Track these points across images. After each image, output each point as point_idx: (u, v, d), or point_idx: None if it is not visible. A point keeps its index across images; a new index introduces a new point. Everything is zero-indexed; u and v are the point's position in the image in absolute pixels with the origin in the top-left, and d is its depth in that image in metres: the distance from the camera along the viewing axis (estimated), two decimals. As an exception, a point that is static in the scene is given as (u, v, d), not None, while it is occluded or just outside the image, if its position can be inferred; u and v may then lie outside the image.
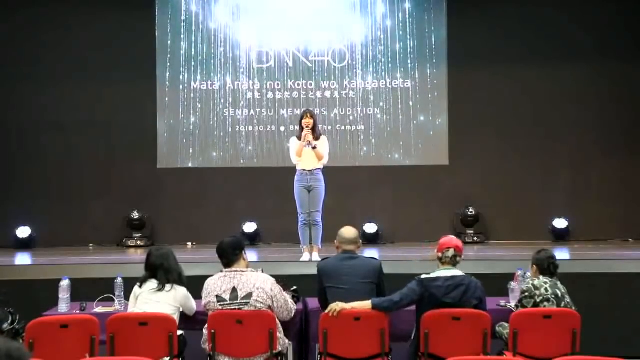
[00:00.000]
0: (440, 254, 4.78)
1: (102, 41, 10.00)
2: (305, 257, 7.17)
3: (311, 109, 7.94)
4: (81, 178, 10.03)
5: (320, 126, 9.90)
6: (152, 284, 4.89)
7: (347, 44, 10.21)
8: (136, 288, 4.94)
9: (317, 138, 7.24)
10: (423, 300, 4.64)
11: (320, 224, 7.21)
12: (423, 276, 4.69)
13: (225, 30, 10.22)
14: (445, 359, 4.24)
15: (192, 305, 5.00)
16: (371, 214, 9.90)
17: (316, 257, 7.05)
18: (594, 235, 9.71)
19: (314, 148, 7.15)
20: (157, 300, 4.83)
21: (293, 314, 4.85)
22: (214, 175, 10.15)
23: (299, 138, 7.27)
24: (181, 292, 4.92)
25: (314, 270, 5.09)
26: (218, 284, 4.69)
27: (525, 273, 5.28)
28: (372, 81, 10.19)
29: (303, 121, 7.25)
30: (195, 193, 10.14)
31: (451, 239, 4.89)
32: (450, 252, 4.73)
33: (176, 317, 4.83)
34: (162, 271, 4.90)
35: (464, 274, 4.71)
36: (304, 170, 7.19)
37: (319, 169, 7.22)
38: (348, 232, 5.01)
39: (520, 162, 10.09)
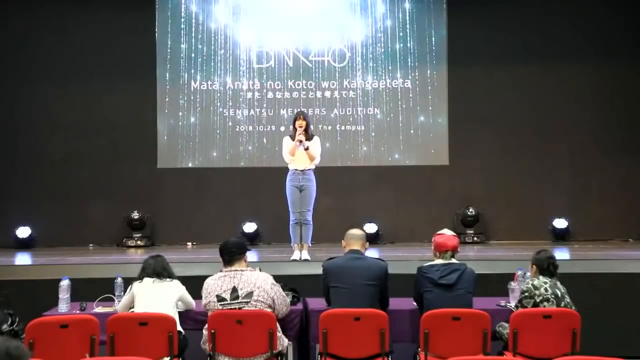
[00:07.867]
0: (437, 253, 4.97)
1: (102, 41, 10.00)
2: (296, 255, 7.28)
3: (304, 111, 8.02)
4: (81, 178, 10.02)
5: (320, 126, 10.07)
6: (153, 278, 4.95)
7: (347, 44, 10.21)
8: (135, 285, 4.94)
9: (309, 138, 7.31)
10: (422, 283, 4.82)
11: (311, 223, 7.31)
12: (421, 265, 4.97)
13: (225, 30, 10.22)
14: (445, 359, 4.24)
15: (190, 298, 5.07)
16: (371, 214, 9.90)
17: (306, 255, 7.21)
18: (594, 235, 9.72)
19: (306, 149, 7.21)
20: (157, 295, 4.84)
21: (289, 308, 4.91)
22: (214, 175, 10.15)
23: (292, 138, 7.33)
24: (176, 283, 5.01)
25: (313, 270, 5.10)
26: (218, 283, 4.70)
27: (525, 273, 5.28)
28: (372, 81, 10.19)
29: (296, 122, 7.31)
30: (195, 193, 10.14)
31: (447, 240, 4.98)
32: (448, 254, 4.95)
33: (175, 313, 4.84)
34: (162, 268, 5.00)
35: (459, 262, 4.93)
36: (296, 169, 7.26)
37: (310, 169, 7.29)
38: (355, 230, 5.15)
39: (520, 162, 10.09)
